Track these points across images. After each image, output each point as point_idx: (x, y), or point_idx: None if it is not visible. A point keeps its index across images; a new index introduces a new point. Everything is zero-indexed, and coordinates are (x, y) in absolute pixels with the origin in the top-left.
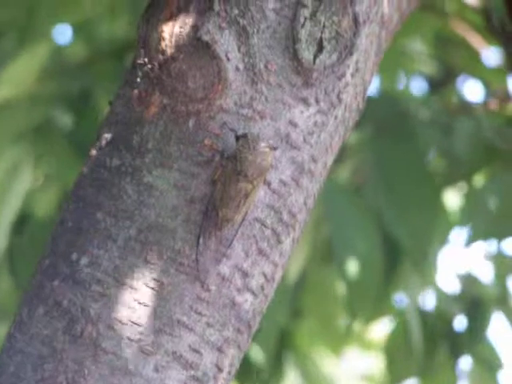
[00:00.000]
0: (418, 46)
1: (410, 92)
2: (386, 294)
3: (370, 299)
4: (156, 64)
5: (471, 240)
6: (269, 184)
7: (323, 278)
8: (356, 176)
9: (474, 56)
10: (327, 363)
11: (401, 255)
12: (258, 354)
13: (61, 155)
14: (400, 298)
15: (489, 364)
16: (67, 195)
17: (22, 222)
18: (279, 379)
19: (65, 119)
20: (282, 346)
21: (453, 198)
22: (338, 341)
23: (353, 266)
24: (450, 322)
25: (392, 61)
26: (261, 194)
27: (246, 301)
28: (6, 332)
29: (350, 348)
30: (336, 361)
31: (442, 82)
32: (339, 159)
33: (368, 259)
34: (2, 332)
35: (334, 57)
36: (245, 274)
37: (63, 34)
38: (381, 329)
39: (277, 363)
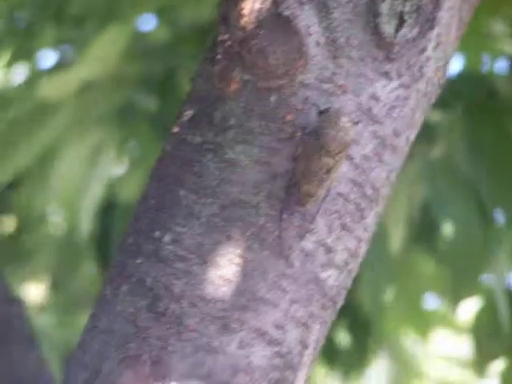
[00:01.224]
0: (501, 27)
1: (494, 72)
2: (482, 268)
3: (470, 266)
4: (236, 40)
5: None
6: (351, 159)
7: (415, 259)
8: (448, 154)
9: None
10: (414, 345)
11: (495, 231)
12: (344, 337)
13: (145, 138)
14: (488, 278)
15: None
16: (152, 171)
17: (108, 208)
18: (366, 362)
19: (148, 101)
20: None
21: None
22: (426, 323)
23: (449, 233)
24: None
25: (476, 41)
26: (343, 168)
27: (330, 276)
28: None
29: (437, 331)
30: (423, 344)
31: None
32: (429, 138)
33: (465, 223)
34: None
35: (416, 30)
36: (328, 250)
37: (146, 22)
38: (468, 312)
39: (363, 346)
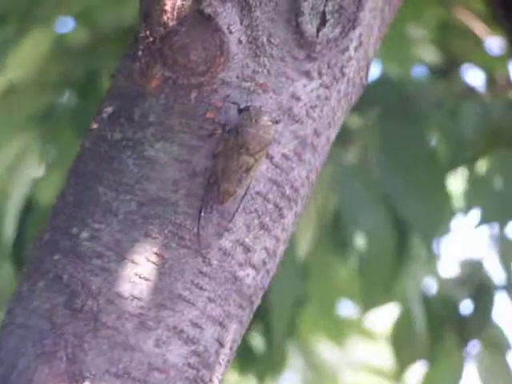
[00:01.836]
0: (420, 33)
1: (412, 77)
2: (395, 276)
3: (381, 275)
4: (158, 37)
5: (482, 222)
6: (271, 158)
7: (326, 264)
8: (363, 158)
9: (477, 44)
10: (329, 352)
11: (408, 239)
12: (259, 341)
13: (64, 140)
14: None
15: (497, 346)
16: (71, 168)
17: (27, 210)
18: (282, 367)
19: (70, 104)
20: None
21: (452, 185)
22: (340, 329)
23: (362, 242)
24: (455, 308)
25: (394, 45)
26: (263, 167)
27: (248, 275)
28: None
29: (351, 338)
30: (338, 350)
31: (443, 70)
32: (345, 143)
33: (377, 234)
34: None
35: (337, 30)
36: (247, 249)
37: (63, 23)
38: (382, 320)
39: (280, 350)
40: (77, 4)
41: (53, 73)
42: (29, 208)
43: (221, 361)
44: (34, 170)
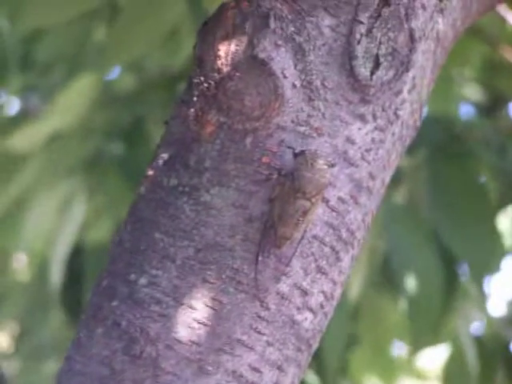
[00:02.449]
0: (465, 72)
1: (459, 116)
2: (445, 316)
3: (431, 316)
4: (212, 82)
5: None
6: (327, 201)
7: (377, 305)
8: (412, 199)
9: None
10: None
11: (458, 278)
12: (313, 381)
13: (112, 186)
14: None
15: None
16: (128, 215)
17: (75, 255)
18: None
19: (117, 150)
20: (338, 372)
21: (502, 224)
22: (391, 370)
23: (412, 284)
24: (505, 347)
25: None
26: (319, 211)
27: (306, 319)
28: (58, 368)
29: (403, 378)
30: None
31: (489, 108)
32: (395, 182)
33: (426, 274)
34: (55, 368)
35: (391, 73)
36: (304, 293)
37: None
38: (432, 359)
39: None
40: (126, 51)
41: (99, 119)
42: (76, 254)
43: None
44: (81, 216)
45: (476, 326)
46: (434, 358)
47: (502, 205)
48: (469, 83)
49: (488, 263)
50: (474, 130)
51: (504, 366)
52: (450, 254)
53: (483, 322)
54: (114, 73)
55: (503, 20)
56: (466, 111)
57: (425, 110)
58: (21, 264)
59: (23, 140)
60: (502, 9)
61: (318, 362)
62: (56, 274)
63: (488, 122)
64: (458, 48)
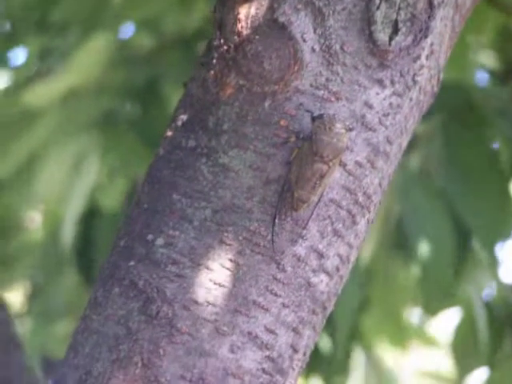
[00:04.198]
0: (480, 39)
1: (474, 83)
2: (457, 282)
3: (443, 281)
4: (232, 45)
5: None
6: (344, 165)
7: (390, 270)
8: (426, 164)
9: None
10: (391, 357)
11: (470, 244)
12: (326, 344)
13: (127, 146)
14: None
15: None
16: (146, 175)
17: (89, 216)
18: (347, 370)
19: (132, 110)
20: (350, 336)
21: None
22: (402, 335)
23: (425, 249)
24: None
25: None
26: (336, 175)
27: (322, 282)
28: (72, 328)
29: (414, 344)
30: (400, 355)
31: (504, 76)
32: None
33: (439, 240)
34: (69, 328)
35: (410, 39)
36: (320, 255)
37: (125, 29)
38: (444, 327)
39: (344, 353)
40: (140, 10)
41: (114, 78)
42: (89, 213)
43: (294, 366)
44: (94, 175)
45: (487, 292)
46: (446, 326)
47: None
48: (484, 51)
49: (499, 230)
50: (489, 98)
51: None
52: (463, 220)
53: (494, 288)
54: (130, 32)
55: None
56: (481, 78)
57: (442, 77)
58: (35, 224)
59: (39, 96)
60: None
61: (330, 324)
62: (68, 234)
63: (503, 89)
64: (474, 16)
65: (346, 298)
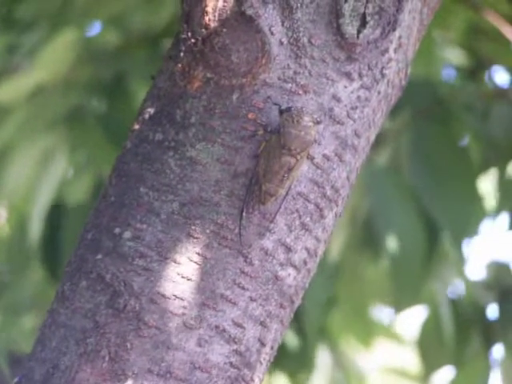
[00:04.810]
0: (448, 35)
1: (442, 79)
2: (425, 278)
3: (411, 277)
4: (199, 38)
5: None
6: (312, 159)
7: (358, 265)
8: (394, 160)
9: (505, 46)
10: (357, 354)
11: (438, 240)
12: (292, 340)
13: (94, 142)
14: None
15: None
16: (113, 169)
17: (55, 211)
18: (312, 366)
19: (99, 106)
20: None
21: (484, 187)
22: (369, 332)
23: (393, 245)
24: (482, 311)
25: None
26: (304, 168)
27: (289, 275)
28: (38, 323)
29: (380, 341)
30: (366, 352)
31: (472, 73)
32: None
33: (407, 235)
34: (35, 322)
35: (378, 32)
36: (288, 249)
37: (92, 26)
38: (410, 324)
39: (311, 350)
40: (107, 8)
41: (81, 75)
42: (56, 210)
43: (262, 360)
44: (61, 171)
45: (454, 290)
46: (412, 323)
47: (484, 168)
48: (452, 47)
49: (467, 226)
50: (457, 94)
51: (479, 330)
52: (431, 216)
53: (461, 286)
54: (96, 29)
55: None
56: (449, 74)
57: (410, 70)
58: (1, 219)
59: (6, 93)
60: None
61: (297, 320)
62: (35, 229)
63: (471, 85)
64: (442, 12)
65: (314, 293)
